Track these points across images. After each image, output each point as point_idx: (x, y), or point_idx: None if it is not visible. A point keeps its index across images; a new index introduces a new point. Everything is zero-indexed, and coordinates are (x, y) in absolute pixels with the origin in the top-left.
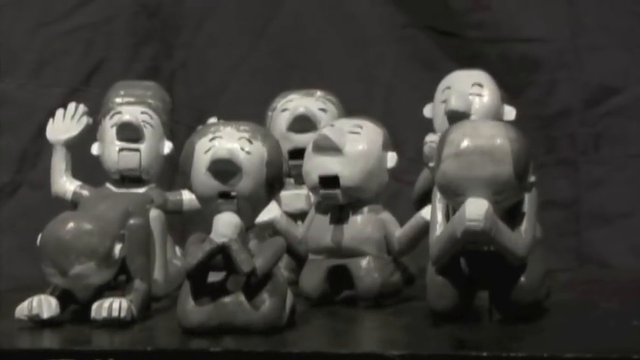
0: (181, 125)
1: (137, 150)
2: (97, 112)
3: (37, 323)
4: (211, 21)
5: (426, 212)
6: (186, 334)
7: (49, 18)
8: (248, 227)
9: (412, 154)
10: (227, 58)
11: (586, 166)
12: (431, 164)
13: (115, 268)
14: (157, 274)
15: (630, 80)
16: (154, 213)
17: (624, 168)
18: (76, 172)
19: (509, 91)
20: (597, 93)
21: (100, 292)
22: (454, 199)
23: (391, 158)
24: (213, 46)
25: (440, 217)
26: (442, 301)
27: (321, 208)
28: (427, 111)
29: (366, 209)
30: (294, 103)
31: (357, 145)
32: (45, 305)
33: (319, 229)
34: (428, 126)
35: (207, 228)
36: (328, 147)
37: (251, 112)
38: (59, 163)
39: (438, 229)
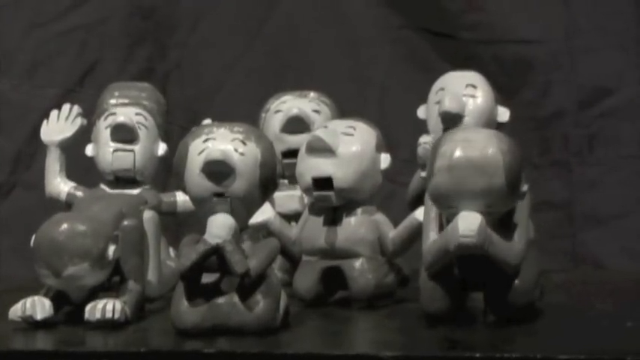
0: (175, 126)
1: (131, 151)
2: (91, 113)
3: (31, 324)
4: (205, 22)
5: (419, 213)
6: (180, 336)
7: (43, 19)
8: (242, 228)
9: (406, 155)
10: (221, 59)
11: (580, 168)
12: (423, 174)
13: (109, 270)
14: (151, 275)
15: (624, 82)
16: (148, 214)
17: (618, 169)
18: (70, 173)
19: (503, 93)
20: (591, 94)
21: (94, 293)
22: (447, 210)
23: (385, 159)
24: (208, 47)
25: (433, 223)
26: (435, 305)
27: (315, 209)
28: (421, 112)
29: (359, 210)
30: (288, 105)
31: (351, 146)
32: (39, 306)
33: (313, 231)
34: (422, 127)
35: (201, 229)
36: (322, 148)
37: (245, 113)
38: (53, 164)
39: (431, 235)
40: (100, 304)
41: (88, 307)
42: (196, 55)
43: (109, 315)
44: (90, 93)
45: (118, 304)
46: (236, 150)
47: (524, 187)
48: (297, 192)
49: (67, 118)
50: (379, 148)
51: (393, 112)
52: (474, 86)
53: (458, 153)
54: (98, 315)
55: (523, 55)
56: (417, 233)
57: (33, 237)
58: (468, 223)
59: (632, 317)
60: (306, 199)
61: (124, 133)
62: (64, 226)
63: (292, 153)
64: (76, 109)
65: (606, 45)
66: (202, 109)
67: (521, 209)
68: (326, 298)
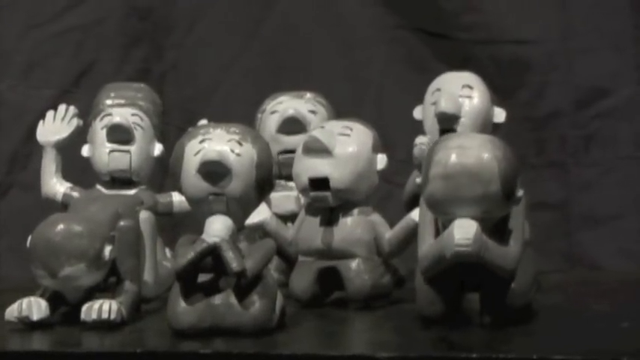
0: (172, 127)
1: (127, 152)
2: (87, 113)
3: (27, 325)
4: (202, 22)
5: (416, 214)
6: (176, 336)
7: (39, 19)
8: (238, 229)
9: (402, 155)
10: (217, 59)
11: (576, 168)
12: (418, 180)
13: (105, 270)
14: (147, 275)
15: (620, 82)
16: (144, 215)
17: (614, 170)
18: (67, 174)
19: (499, 93)
20: (588, 95)
21: (90, 293)
22: (442, 217)
23: (381, 160)
24: (204, 48)
25: (429, 227)
26: (431, 307)
27: (311, 209)
28: (417, 113)
29: (356, 211)
30: (284, 105)
31: (347, 147)
32: (35, 307)
33: (309, 231)
34: (418, 128)
35: (198, 230)
36: (318, 149)
37: (242, 113)
38: (49, 164)
39: (427, 239)
40: (96, 304)
41: (84, 308)
42: (192, 56)
43: (105, 315)
44: (86, 94)
45: (114, 305)
46: (232, 151)
47: (520, 193)
48: (293, 192)
49: (63, 118)
50: (375, 149)
51: (390, 113)
52: (470, 87)
53: (453, 160)
54: (94, 315)
55: (519, 56)
56: (413, 234)
57: (29, 238)
58: (464, 231)
59: (628, 318)
60: (302, 200)
61: (120, 134)
62: (61, 226)
63: (288, 153)
64: (72, 109)
65: (603, 45)
66: (199, 109)
67: (517, 214)
68: (322, 299)
